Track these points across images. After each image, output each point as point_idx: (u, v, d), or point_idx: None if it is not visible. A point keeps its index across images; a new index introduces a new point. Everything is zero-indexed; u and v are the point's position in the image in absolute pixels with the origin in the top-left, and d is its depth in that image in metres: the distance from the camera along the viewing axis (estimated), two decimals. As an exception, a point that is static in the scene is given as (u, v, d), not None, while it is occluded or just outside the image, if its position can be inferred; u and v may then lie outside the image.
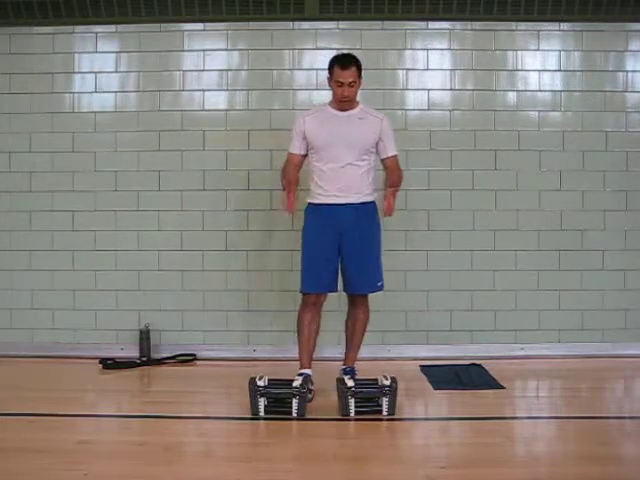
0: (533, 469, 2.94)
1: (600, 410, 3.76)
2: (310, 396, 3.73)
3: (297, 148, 3.94)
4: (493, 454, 3.08)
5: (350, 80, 3.80)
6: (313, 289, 3.94)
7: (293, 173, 3.94)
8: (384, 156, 3.96)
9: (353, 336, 4.05)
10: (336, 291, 3.99)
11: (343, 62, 3.83)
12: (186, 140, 4.70)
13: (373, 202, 3.95)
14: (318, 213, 3.92)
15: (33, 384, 4.16)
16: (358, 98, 3.94)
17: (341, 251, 3.91)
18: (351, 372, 3.94)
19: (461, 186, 4.70)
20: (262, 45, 4.67)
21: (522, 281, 4.72)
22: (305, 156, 3.97)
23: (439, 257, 4.71)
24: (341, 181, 3.86)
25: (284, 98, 4.63)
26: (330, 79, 3.90)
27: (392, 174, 3.97)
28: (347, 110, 3.91)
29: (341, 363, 4.09)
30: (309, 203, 3.98)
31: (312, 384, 3.83)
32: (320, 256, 3.90)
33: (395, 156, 3.99)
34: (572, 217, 4.71)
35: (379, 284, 4.00)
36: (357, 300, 4.02)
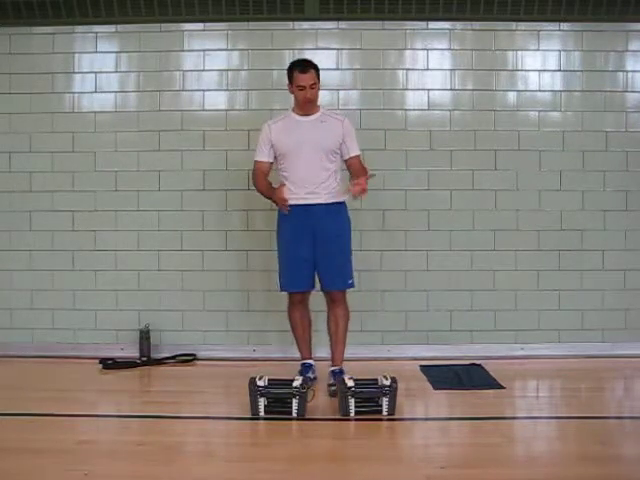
0: (533, 469, 2.94)
1: (600, 410, 3.75)
2: (312, 386, 3.78)
3: (265, 155, 4.07)
4: (493, 454, 3.08)
5: (311, 82, 3.96)
6: (293, 288, 4.09)
7: (262, 182, 4.08)
8: (347, 157, 4.07)
9: (337, 333, 4.11)
10: (314, 288, 4.09)
11: (302, 66, 3.98)
12: (186, 140, 4.70)
13: (343, 202, 4.06)
14: (291, 214, 3.99)
15: (33, 384, 4.15)
16: (320, 102, 4.05)
17: (315, 250, 4.00)
18: (340, 374, 3.91)
19: (461, 186, 4.70)
20: (262, 45, 4.68)
21: (522, 281, 4.72)
22: (272, 163, 4.09)
23: (439, 257, 4.71)
24: (311, 184, 3.97)
25: (284, 98, 4.61)
26: (290, 85, 4.02)
27: (357, 173, 4.01)
28: (310, 114, 4.03)
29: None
30: None
31: (314, 373, 3.93)
32: (297, 256, 4.02)
33: (358, 156, 4.09)
34: (572, 217, 4.71)
35: (349, 281, 4.09)
36: (335, 297, 4.10)
